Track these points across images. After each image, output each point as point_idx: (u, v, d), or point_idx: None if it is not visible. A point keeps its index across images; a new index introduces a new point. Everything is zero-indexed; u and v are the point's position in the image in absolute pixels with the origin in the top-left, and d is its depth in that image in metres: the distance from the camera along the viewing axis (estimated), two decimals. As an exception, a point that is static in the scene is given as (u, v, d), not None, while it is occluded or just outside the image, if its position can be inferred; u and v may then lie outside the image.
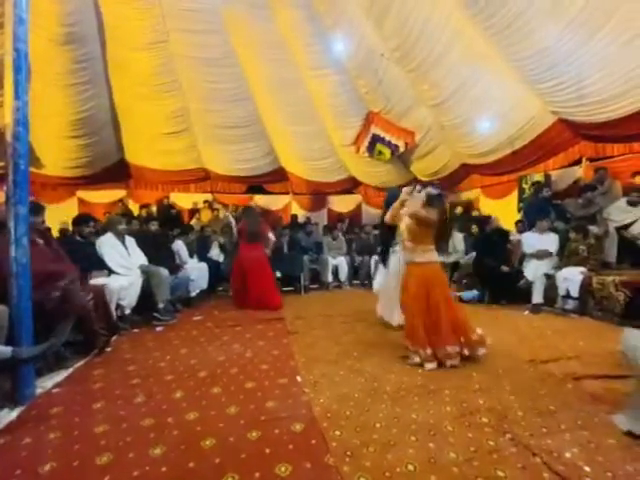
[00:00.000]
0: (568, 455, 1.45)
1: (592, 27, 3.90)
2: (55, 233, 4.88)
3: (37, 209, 2.67)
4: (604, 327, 3.38)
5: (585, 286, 3.78)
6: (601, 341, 2.86)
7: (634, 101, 4.14)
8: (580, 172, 5.53)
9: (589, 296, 3.76)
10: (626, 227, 4.32)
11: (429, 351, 2.41)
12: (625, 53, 3.84)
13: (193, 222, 7.39)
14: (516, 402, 1.90)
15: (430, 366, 2.38)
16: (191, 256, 4.97)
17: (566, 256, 4.21)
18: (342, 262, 6.08)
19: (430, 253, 2.58)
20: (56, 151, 6.91)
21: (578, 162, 5.56)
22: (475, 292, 4.71)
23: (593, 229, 4.19)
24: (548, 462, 1.40)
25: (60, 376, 2.33)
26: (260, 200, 9.02)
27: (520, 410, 1.82)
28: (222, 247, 5.95)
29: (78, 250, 3.19)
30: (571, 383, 2.13)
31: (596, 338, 2.99)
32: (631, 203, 4.33)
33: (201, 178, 8.58)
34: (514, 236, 4.93)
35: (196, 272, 4.75)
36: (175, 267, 4.35)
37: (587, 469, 1.36)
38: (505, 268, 4.36)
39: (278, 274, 5.66)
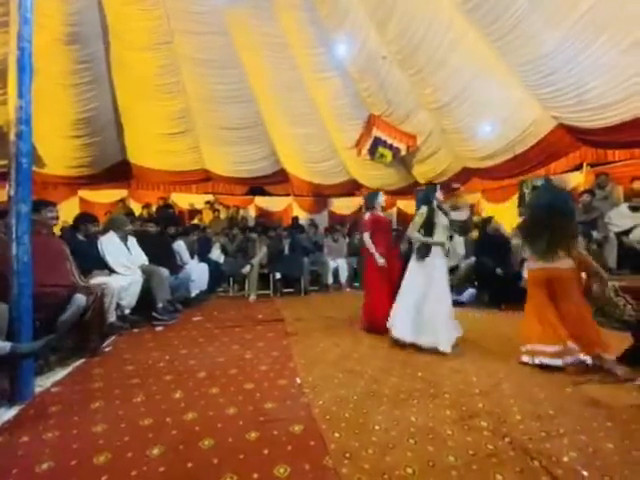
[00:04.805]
0: (566, 459, 1.45)
1: (592, 33, 3.93)
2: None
3: (46, 204, 2.70)
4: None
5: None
6: (601, 346, 2.85)
7: (634, 107, 4.16)
8: (581, 177, 5.53)
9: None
10: (626, 233, 4.32)
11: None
12: (625, 59, 3.86)
13: (196, 222, 7.38)
14: (515, 406, 1.90)
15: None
16: (192, 257, 4.98)
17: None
18: (342, 264, 6.09)
19: None
20: (58, 150, 6.92)
21: (579, 167, 5.57)
22: (472, 290, 4.68)
23: (593, 234, 4.19)
24: (547, 466, 1.40)
25: (59, 375, 2.32)
26: (261, 202, 9.03)
27: (519, 414, 1.82)
28: (223, 248, 5.97)
29: (79, 249, 3.20)
30: (570, 388, 2.13)
31: (596, 343, 2.97)
32: (633, 208, 4.34)
33: (202, 179, 8.58)
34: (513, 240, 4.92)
35: (196, 273, 4.76)
36: (176, 267, 4.35)
37: (585, 473, 1.36)
38: (499, 270, 4.36)
39: (278, 275, 5.69)
